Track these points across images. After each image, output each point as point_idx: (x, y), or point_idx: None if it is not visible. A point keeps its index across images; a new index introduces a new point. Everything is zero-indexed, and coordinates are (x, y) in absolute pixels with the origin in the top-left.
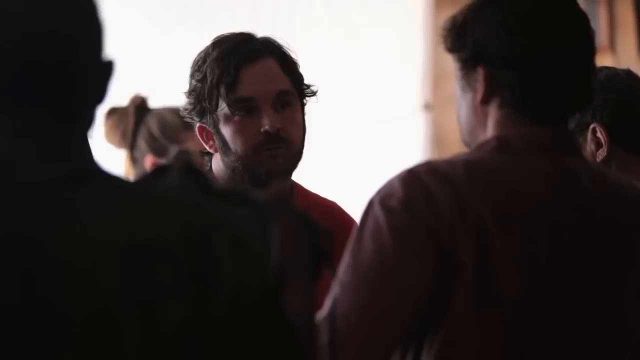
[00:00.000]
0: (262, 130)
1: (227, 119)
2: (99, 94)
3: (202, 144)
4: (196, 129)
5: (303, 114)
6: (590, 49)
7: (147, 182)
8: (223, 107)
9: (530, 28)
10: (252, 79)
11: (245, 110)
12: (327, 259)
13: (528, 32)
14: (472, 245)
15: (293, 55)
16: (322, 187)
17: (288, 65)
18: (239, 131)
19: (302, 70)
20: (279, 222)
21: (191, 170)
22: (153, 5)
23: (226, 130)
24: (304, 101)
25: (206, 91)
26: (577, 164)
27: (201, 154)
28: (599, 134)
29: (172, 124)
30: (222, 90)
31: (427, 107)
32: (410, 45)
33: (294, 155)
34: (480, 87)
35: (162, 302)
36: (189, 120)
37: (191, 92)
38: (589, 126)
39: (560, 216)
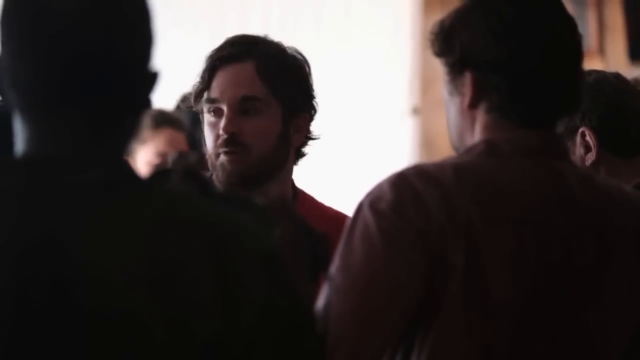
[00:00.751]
0: (219, 133)
1: (205, 118)
2: (142, 103)
3: (167, 146)
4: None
5: (289, 122)
6: (577, 53)
7: (178, 190)
8: (202, 107)
9: (516, 32)
10: (221, 82)
11: (213, 111)
12: (324, 263)
13: (514, 36)
14: (461, 247)
15: (290, 62)
16: (311, 190)
17: (270, 71)
18: (207, 132)
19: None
20: (279, 227)
21: (192, 175)
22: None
23: (204, 128)
24: (296, 109)
25: (195, 91)
26: (565, 168)
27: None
28: (587, 138)
29: None
30: (200, 91)
31: (416, 111)
32: (399, 49)
33: (255, 162)
34: (467, 91)
35: (192, 315)
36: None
37: (191, 92)
38: (578, 130)
39: (548, 218)
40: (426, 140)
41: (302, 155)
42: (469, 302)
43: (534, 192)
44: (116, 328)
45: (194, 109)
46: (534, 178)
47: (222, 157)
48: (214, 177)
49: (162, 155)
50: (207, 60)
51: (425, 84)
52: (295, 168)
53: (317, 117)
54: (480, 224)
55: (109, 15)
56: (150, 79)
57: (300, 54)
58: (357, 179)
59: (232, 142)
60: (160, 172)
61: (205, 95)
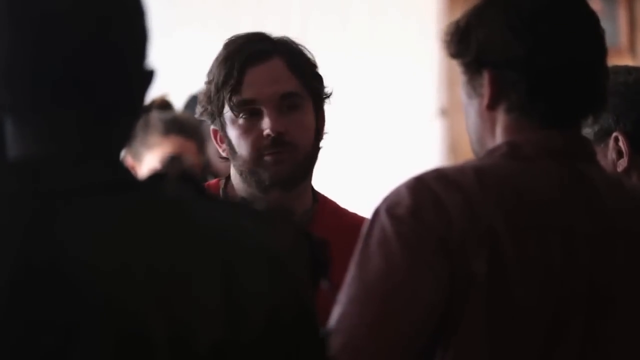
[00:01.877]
0: (264, 134)
1: (232, 122)
2: (138, 102)
3: (175, 153)
4: (211, 132)
5: (318, 116)
6: (601, 48)
7: (176, 194)
8: (228, 110)
9: (535, 28)
10: (255, 81)
11: (249, 113)
12: (324, 269)
13: (533, 31)
14: (484, 255)
15: (308, 55)
16: (334, 195)
17: (298, 65)
18: (243, 135)
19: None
20: (279, 232)
21: (187, 179)
22: (153, 6)
23: (232, 134)
24: (321, 103)
25: (212, 93)
26: (592, 171)
27: (221, 159)
28: (620, 143)
29: (148, 129)
30: (226, 93)
31: (443, 112)
32: (425, 49)
33: (301, 160)
34: (486, 91)
35: (195, 323)
36: (207, 122)
37: (203, 94)
38: (611, 133)
39: (575, 224)
40: (454, 143)
41: (320, 148)
42: (491, 313)
43: (559, 197)
44: (116, 339)
45: (208, 117)
46: (560, 181)
47: (268, 159)
48: (244, 180)
49: None
50: (230, 60)
51: (452, 84)
52: (319, 174)
53: (341, 119)
54: (504, 230)
55: (101, 13)
56: (145, 77)
57: (301, 44)
58: (383, 183)
59: (279, 142)
60: (155, 175)
61: (235, 98)
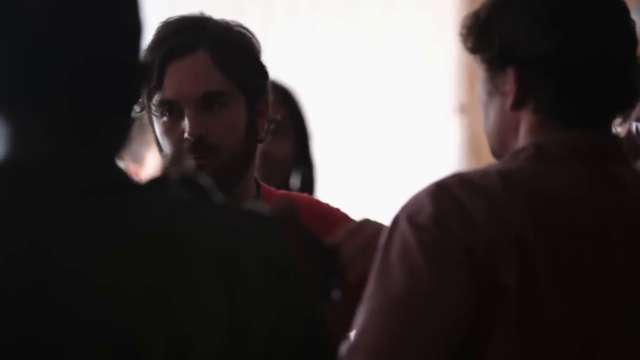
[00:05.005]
0: (184, 136)
1: (157, 119)
2: (130, 99)
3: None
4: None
5: (254, 111)
6: (632, 42)
7: (178, 197)
8: (152, 107)
9: (565, 21)
10: (175, 79)
11: (169, 112)
12: (336, 280)
13: (563, 25)
14: (513, 265)
15: (244, 44)
16: (346, 198)
17: (226, 58)
18: (165, 135)
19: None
20: (289, 240)
21: (190, 181)
22: (155, 4)
23: (157, 132)
24: (258, 95)
25: None
26: (624, 173)
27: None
28: None
29: (145, 127)
30: (148, 90)
31: (463, 109)
32: (442, 41)
33: (226, 162)
34: (510, 90)
35: (194, 336)
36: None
37: None
38: None
39: (608, 231)
40: (474, 142)
41: (262, 141)
42: (523, 325)
43: (591, 201)
44: (108, 348)
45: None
46: (591, 185)
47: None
48: None
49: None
50: (152, 54)
51: (472, 79)
52: (333, 176)
53: (353, 116)
54: (534, 237)
55: (92, 5)
56: (138, 72)
57: (244, 27)
58: (398, 184)
59: (200, 146)
60: (155, 178)
61: (158, 96)
